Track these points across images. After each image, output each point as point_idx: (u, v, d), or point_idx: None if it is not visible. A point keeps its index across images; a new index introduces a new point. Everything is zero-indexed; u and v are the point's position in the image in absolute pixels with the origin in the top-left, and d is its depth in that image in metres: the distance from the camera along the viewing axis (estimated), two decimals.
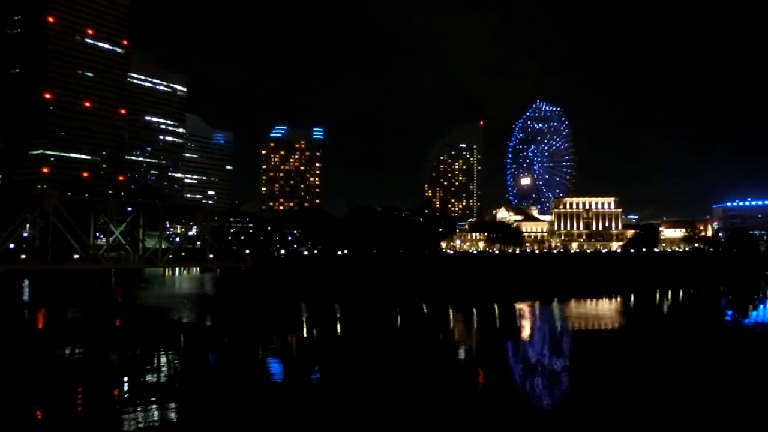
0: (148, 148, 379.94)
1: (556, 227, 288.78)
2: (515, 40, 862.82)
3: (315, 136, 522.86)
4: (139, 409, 39.33)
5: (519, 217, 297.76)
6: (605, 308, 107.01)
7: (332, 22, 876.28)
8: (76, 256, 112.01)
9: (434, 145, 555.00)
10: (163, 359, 58.60)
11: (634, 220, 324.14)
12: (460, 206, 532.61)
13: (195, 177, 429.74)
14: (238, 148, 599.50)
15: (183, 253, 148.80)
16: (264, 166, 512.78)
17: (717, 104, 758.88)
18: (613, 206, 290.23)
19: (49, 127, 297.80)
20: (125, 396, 44.40)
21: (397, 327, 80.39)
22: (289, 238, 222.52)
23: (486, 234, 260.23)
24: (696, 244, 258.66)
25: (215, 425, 36.29)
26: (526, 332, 77.29)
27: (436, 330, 78.01)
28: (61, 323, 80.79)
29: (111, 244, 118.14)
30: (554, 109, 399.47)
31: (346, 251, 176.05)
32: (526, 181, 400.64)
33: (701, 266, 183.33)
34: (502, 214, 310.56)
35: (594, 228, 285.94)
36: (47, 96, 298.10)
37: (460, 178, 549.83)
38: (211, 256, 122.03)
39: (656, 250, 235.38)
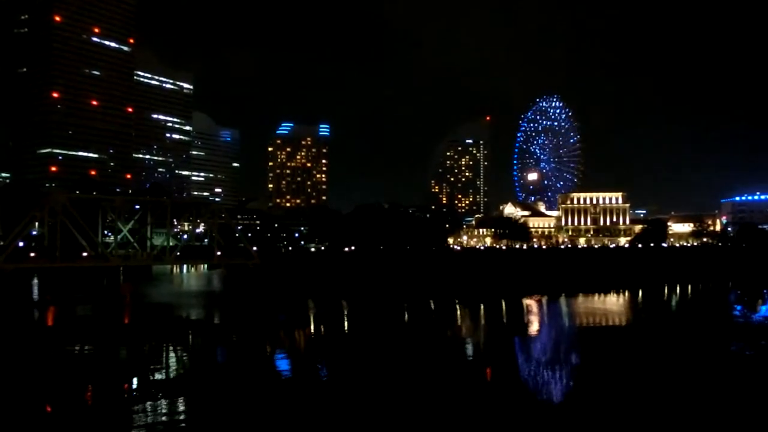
0: (155, 146, 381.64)
1: (563, 222, 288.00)
2: (522, 35, 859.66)
3: (321, 133, 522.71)
4: (148, 405, 39.51)
5: (526, 213, 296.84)
6: (613, 303, 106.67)
7: (338, 18, 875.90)
8: (85, 254, 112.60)
9: (441, 141, 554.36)
10: (172, 356, 58.88)
11: (641, 215, 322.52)
12: (467, 202, 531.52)
13: (202, 174, 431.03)
14: (244, 145, 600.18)
15: (190, 251, 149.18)
16: (271, 163, 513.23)
17: (725, 98, 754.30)
18: (620, 201, 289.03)
19: (57, 126, 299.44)
20: (134, 393, 44.62)
21: (405, 323, 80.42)
22: (296, 234, 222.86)
23: (493, 230, 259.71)
24: (704, 239, 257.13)
25: (224, 422, 36.42)
26: (533, 328, 77.15)
27: (443, 326, 78.01)
28: (70, 321, 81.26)
29: (119, 242, 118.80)
30: (561, 103, 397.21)
31: (353, 248, 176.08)
32: (532, 176, 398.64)
33: (710, 261, 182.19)
34: (509, 209, 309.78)
35: (601, 223, 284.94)
36: (54, 95, 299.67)
37: (467, 174, 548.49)
38: (219, 253, 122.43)
39: (664, 245, 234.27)
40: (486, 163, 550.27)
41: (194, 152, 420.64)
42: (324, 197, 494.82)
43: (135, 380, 47.74)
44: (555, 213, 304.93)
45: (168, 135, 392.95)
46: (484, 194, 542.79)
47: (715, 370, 50.48)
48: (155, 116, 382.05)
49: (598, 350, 60.27)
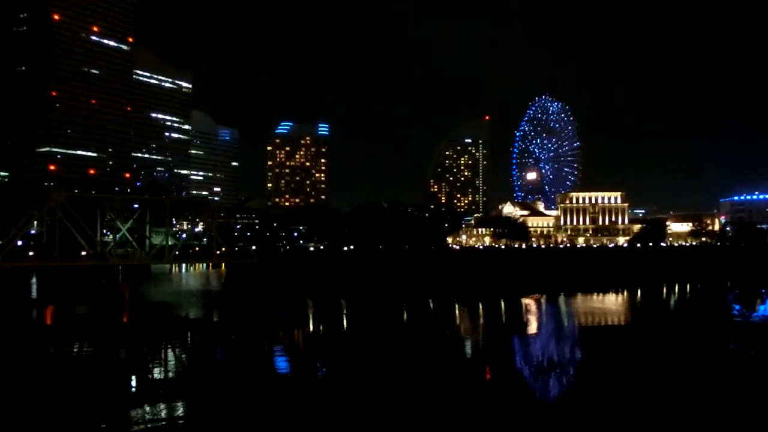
0: (154, 145, 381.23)
1: (562, 222, 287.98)
2: (522, 35, 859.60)
3: (320, 132, 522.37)
4: (147, 404, 39.51)
5: (525, 212, 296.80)
6: (612, 303, 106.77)
7: (337, 17, 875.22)
8: (84, 253, 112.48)
9: (440, 141, 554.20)
10: (171, 355, 58.87)
11: (640, 215, 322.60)
12: (466, 201, 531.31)
13: (201, 173, 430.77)
14: (243, 144, 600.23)
15: (190, 250, 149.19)
16: (270, 162, 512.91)
17: (725, 98, 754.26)
18: (619, 201, 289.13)
19: (56, 125, 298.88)
20: (133, 392, 44.61)
21: (404, 322, 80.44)
22: (295, 234, 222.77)
23: (492, 229, 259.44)
24: (703, 239, 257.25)
25: (223, 420, 36.41)
26: (532, 327, 77.19)
27: (442, 325, 78.03)
28: (69, 320, 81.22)
29: (118, 241, 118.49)
30: (560, 103, 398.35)
31: (352, 247, 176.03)
32: (531, 176, 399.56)
33: (708, 261, 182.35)
34: (508, 209, 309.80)
35: (600, 223, 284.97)
36: (53, 93, 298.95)
37: (466, 174, 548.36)
38: (218, 252, 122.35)
39: (663, 244, 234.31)
40: (485, 163, 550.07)
41: (193, 151, 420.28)
42: (323, 196, 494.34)
43: (134, 379, 47.74)
44: (554, 212, 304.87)
45: (167, 134, 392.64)
46: (483, 194, 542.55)
47: (714, 369, 50.53)
48: (154, 115, 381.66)
49: (597, 350, 60.32)
